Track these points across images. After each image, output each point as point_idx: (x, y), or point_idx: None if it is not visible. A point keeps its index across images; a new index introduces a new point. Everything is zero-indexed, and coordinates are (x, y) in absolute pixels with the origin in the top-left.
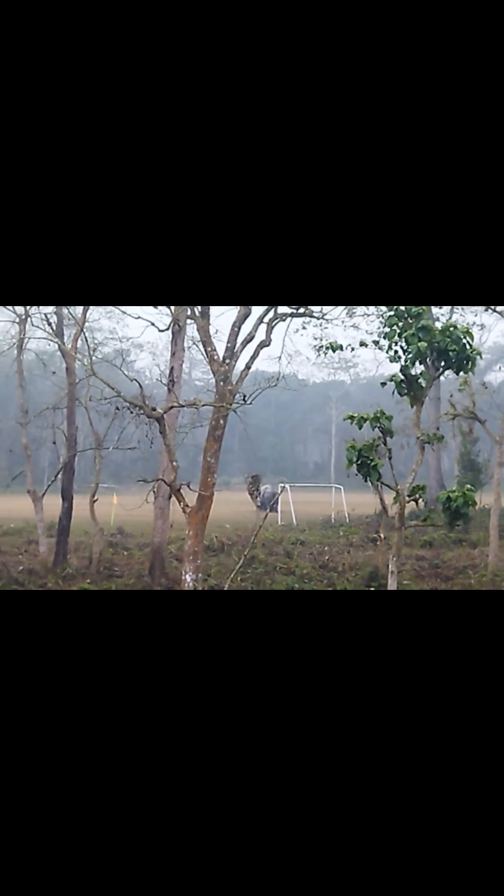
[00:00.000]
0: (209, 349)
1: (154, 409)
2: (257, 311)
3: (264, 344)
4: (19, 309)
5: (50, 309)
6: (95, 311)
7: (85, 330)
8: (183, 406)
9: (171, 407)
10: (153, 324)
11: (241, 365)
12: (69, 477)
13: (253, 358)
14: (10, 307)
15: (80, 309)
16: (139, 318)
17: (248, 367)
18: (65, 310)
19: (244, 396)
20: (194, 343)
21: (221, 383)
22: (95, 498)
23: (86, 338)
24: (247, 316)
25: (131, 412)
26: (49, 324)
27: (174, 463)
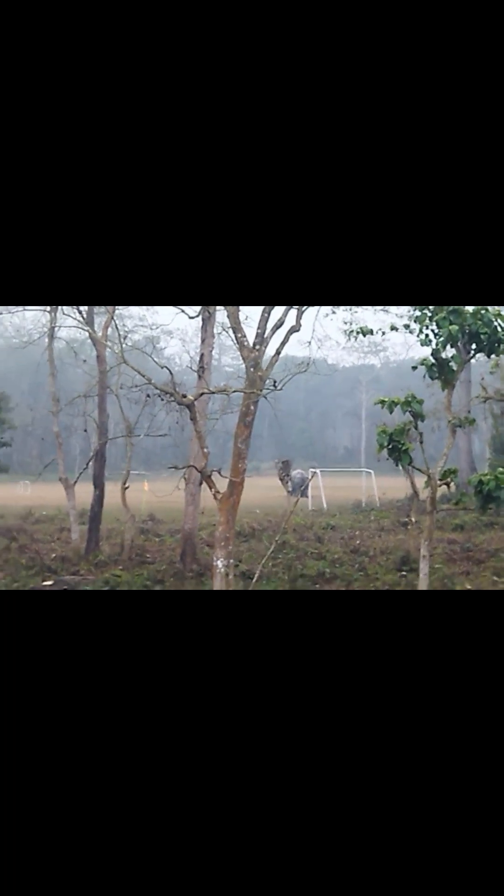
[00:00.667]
0: (239, 335)
1: (184, 396)
2: None
3: (294, 329)
4: None
5: None
6: None
7: (115, 317)
8: (213, 392)
9: (202, 394)
10: (183, 310)
11: (271, 350)
12: (100, 464)
13: (283, 343)
14: None
15: None
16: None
17: (278, 352)
18: None
19: (274, 382)
20: (224, 329)
21: (252, 369)
22: (127, 485)
23: (116, 325)
24: None
25: (162, 399)
26: (79, 312)
27: (205, 449)
